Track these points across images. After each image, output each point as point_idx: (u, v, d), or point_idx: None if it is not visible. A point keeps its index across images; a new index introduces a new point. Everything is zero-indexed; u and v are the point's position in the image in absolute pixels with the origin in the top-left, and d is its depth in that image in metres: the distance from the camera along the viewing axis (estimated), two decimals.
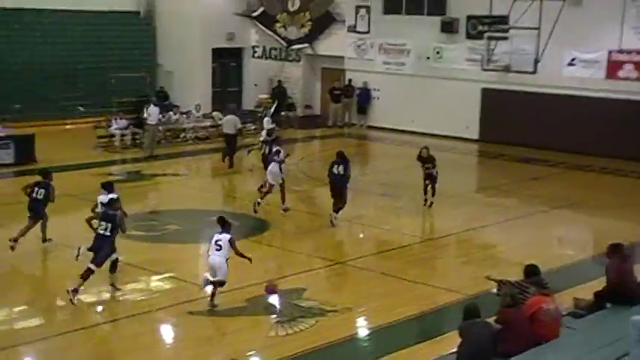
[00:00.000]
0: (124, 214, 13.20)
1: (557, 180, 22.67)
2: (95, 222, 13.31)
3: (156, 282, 13.75)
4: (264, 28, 33.42)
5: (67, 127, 28.66)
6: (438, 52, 28.44)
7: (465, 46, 27.48)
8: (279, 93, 31.65)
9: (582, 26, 24.60)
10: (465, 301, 12.03)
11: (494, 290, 11.00)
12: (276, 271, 14.53)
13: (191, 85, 31.27)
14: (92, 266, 12.52)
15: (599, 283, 11.55)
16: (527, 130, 25.96)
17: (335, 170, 17.41)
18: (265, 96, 31.86)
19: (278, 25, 33.07)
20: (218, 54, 32.61)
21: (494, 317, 9.58)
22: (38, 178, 15.28)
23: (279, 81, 32.30)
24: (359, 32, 30.54)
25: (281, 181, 18.09)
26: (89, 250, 12.70)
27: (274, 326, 11.89)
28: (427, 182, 18.77)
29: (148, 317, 12.24)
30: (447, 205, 19.39)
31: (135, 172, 22.60)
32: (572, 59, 25.35)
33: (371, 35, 30.24)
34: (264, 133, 21.98)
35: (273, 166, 18.05)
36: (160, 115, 25.44)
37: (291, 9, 32.61)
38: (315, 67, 32.97)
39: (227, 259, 12.39)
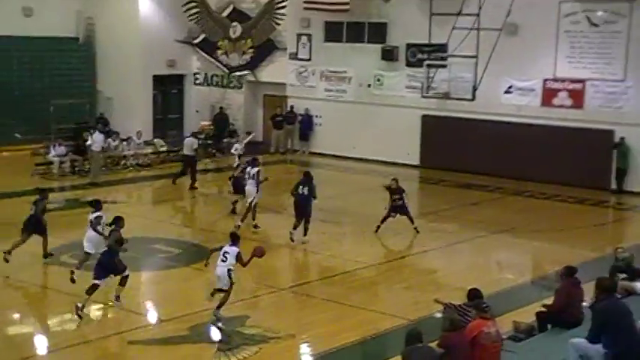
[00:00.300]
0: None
1: (497, 205, 23.04)
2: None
3: (95, 311, 13.49)
4: (205, 54, 33.38)
5: (4, 154, 28.09)
6: (378, 80, 28.78)
7: (405, 74, 27.86)
8: (220, 120, 31.59)
9: (518, 55, 25.19)
10: (407, 326, 12.11)
11: (438, 314, 11.10)
12: (218, 298, 14.37)
13: (132, 111, 31.01)
14: (97, 282, 13.11)
15: (539, 307, 11.75)
16: (466, 156, 26.37)
17: (300, 190, 18.04)
18: (207, 123, 31.75)
19: (220, 52, 33.08)
20: (159, 81, 32.43)
21: (436, 342, 9.66)
22: None
23: (221, 108, 32.25)
24: (300, 59, 30.74)
25: (256, 201, 18.81)
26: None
27: (217, 354, 11.77)
28: (393, 214, 18.83)
29: (87, 347, 12.01)
30: (389, 231, 19.51)
31: (73, 199, 22.23)
32: (509, 87, 25.91)
33: (312, 62, 30.46)
34: (236, 158, 22.56)
35: (250, 186, 18.80)
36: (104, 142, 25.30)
37: (233, 36, 32.66)
38: (257, 93, 33.02)
39: (229, 270, 13.01)
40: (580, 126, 24.59)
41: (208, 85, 33.62)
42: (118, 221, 13.80)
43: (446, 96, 24.49)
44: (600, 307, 9.69)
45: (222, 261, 13.13)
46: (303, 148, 30.77)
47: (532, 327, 11.47)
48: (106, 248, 13.44)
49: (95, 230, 14.54)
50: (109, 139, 26.92)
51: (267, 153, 30.63)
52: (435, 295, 12.43)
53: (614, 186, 24.31)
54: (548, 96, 25.26)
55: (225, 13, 32.77)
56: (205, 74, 33.65)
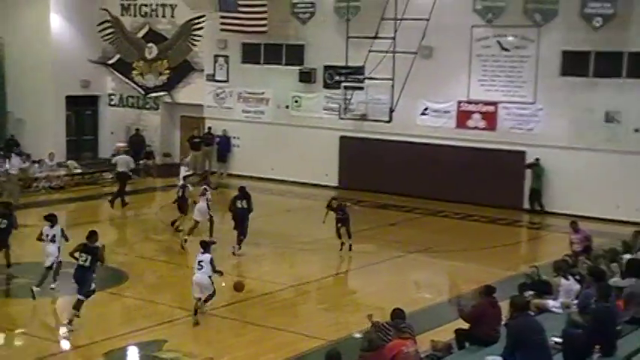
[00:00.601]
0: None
1: (414, 225, 23.33)
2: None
3: (3, 339, 13.03)
4: (120, 75, 32.91)
5: None
6: (296, 101, 28.90)
7: (322, 96, 28.06)
8: (136, 141, 31.14)
9: (433, 78, 25.68)
10: (326, 347, 12.10)
11: (357, 334, 11.13)
12: (136, 323, 14.11)
13: (44, 133, 30.23)
14: (81, 297, 13.49)
15: (456, 325, 11.91)
16: (384, 177, 26.67)
17: (239, 204, 19.04)
18: (122, 144, 31.17)
19: (135, 72, 32.66)
20: (72, 101, 31.74)
21: None
22: None
23: (137, 129, 31.81)
24: (218, 81, 30.62)
25: (209, 217, 19.70)
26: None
27: None
28: (339, 225, 19.37)
29: None
30: (308, 252, 19.56)
31: None
32: (425, 109, 26.38)
33: (230, 84, 30.38)
34: (181, 178, 22.69)
35: (201, 204, 19.57)
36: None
37: (149, 57, 32.31)
38: (174, 115, 32.70)
39: (210, 276, 14.00)
40: (493, 147, 25.19)
41: (124, 106, 33.12)
42: (94, 235, 14.10)
43: (363, 118, 24.76)
44: (514, 325, 9.89)
45: (199, 269, 14.07)
46: (221, 170, 30.58)
47: (449, 345, 11.61)
48: (86, 264, 13.65)
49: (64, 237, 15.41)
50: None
51: None
52: (354, 316, 12.47)
53: (526, 206, 24.93)
54: (462, 118, 25.81)
55: (140, 34, 32.41)
56: (120, 95, 33.15)
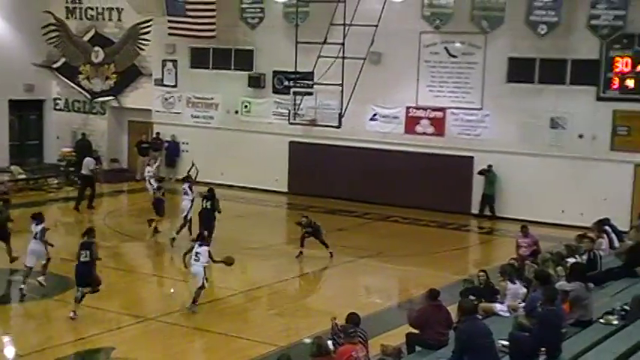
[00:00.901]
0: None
1: (363, 231, 23.42)
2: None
3: None
4: (66, 79, 32.43)
5: None
6: (246, 106, 28.81)
7: (272, 101, 28.03)
8: (83, 146, 30.67)
9: (382, 83, 25.84)
10: (277, 352, 12.07)
11: (308, 340, 11.12)
12: (82, 330, 13.89)
13: None
14: (85, 290, 14.40)
15: (407, 329, 11.99)
16: (333, 183, 26.74)
17: (203, 204, 19.51)
18: (68, 149, 30.79)
19: (81, 77, 32.22)
20: (16, 105, 31.14)
21: None
22: None
23: (84, 134, 31.36)
24: (166, 85, 30.38)
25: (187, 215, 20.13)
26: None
27: None
28: (307, 236, 19.26)
29: None
30: (258, 257, 19.50)
31: None
32: (374, 114, 26.53)
33: (178, 89, 30.16)
34: (151, 181, 23.66)
35: (184, 202, 20.39)
36: None
37: (95, 61, 31.91)
38: (122, 120, 32.33)
39: (204, 267, 14.85)
40: (441, 152, 25.43)
41: (69, 110, 32.64)
42: (92, 232, 15.11)
43: (313, 123, 24.77)
44: (462, 328, 10.00)
45: (196, 260, 14.99)
46: (170, 175, 30.29)
47: (399, 350, 11.67)
48: (87, 259, 14.56)
49: (45, 242, 15.90)
50: None
51: (132, 180, 30.03)
52: (305, 321, 12.47)
53: (475, 210, 25.19)
54: (410, 123, 26.02)
55: (86, 38, 31.97)
56: (66, 99, 32.66)
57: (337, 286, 17.70)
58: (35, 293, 16.07)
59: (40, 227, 15.99)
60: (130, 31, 31.00)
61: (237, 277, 18.21)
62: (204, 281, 14.93)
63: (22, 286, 15.68)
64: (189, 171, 22.32)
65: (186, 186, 20.92)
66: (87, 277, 14.52)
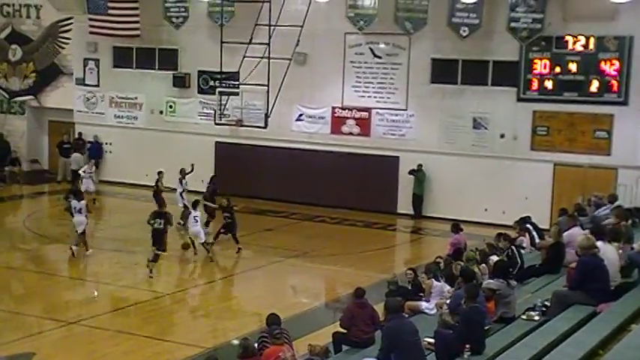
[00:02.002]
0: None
1: (290, 231, 23.42)
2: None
3: None
4: None
5: None
6: (170, 107, 28.48)
7: (197, 101, 27.76)
8: (0, 147, 29.87)
9: (308, 84, 25.90)
10: (204, 354, 11.98)
11: (235, 341, 11.07)
12: (3, 335, 13.51)
13: None
14: (159, 252, 17.35)
15: (334, 328, 12.04)
16: (260, 183, 26.66)
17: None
18: None
19: None
20: None
21: None
22: None
23: (1, 134, 30.54)
24: (88, 85, 29.79)
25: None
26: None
27: None
28: (223, 231, 19.99)
29: None
30: (184, 260, 19.29)
31: None
32: (300, 115, 26.57)
33: (101, 88, 29.60)
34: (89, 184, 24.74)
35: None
36: None
37: (13, 59, 31.09)
38: (42, 120, 31.57)
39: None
40: (367, 152, 25.62)
41: None
42: (164, 204, 19.21)
43: (239, 123, 24.66)
44: (389, 327, 10.07)
45: (196, 222, 18.93)
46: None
47: (327, 349, 11.70)
48: (160, 227, 17.44)
49: (85, 215, 18.75)
50: None
51: (53, 182, 29.35)
52: (231, 323, 12.35)
53: (401, 210, 25.44)
54: (336, 124, 26.14)
55: (2, 35, 31.14)
56: None
57: (264, 286, 17.66)
58: None
59: (82, 203, 18.88)
60: (50, 29, 30.30)
61: (162, 280, 18.01)
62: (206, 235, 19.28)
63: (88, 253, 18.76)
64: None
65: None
66: (159, 242, 17.35)
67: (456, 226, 17.53)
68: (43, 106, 31.03)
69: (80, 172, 25.40)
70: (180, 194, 22.42)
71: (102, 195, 27.90)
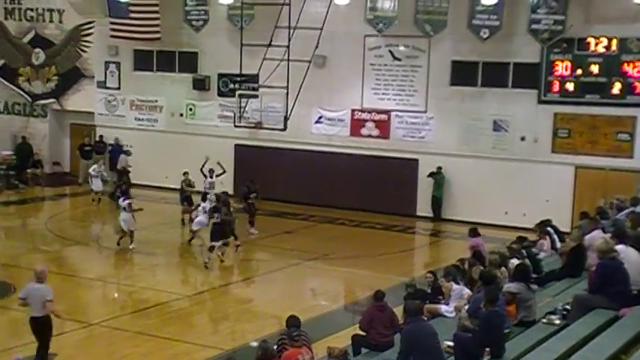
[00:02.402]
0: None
1: (309, 233, 23.42)
2: None
3: None
4: (5, 81, 31.80)
5: None
6: (190, 109, 28.60)
7: (217, 104, 27.87)
8: (23, 150, 30.14)
9: (327, 86, 25.91)
10: (223, 356, 12.01)
11: (254, 343, 11.08)
12: (24, 336, 13.59)
13: None
14: (216, 243, 18.41)
15: (353, 331, 12.02)
16: (279, 185, 26.66)
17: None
18: (8, 153, 30.19)
19: (21, 79, 31.64)
20: None
21: None
22: None
23: (24, 137, 30.79)
24: (109, 88, 29.98)
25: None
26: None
27: None
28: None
29: None
30: (203, 261, 19.33)
31: None
32: (320, 117, 26.57)
33: (122, 91, 29.79)
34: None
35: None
36: None
37: (36, 63, 31.36)
38: (64, 122, 31.82)
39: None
40: (386, 155, 25.59)
41: (9, 113, 32.03)
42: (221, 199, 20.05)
43: (258, 126, 24.69)
44: (407, 330, 10.06)
45: (205, 213, 19.89)
46: (113, 179, 29.90)
47: (346, 352, 11.68)
48: (217, 220, 18.73)
49: (132, 212, 19.69)
50: None
51: (74, 184, 29.55)
52: (251, 324, 12.40)
53: (420, 213, 25.37)
54: (356, 126, 26.12)
55: (26, 39, 31.42)
56: (6, 102, 32.04)
57: (283, 288, 17.67)
58: None
59: (127, 202, 19.88)
60: (72, 33, 30.54)
61: (182, 281, 18.08)
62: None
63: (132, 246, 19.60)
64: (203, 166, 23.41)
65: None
66: (219, 234, 18.55)
67: (474, 230, 17.39)
68: (65, 109, 31.26)
69: (90, 170, 25.70)
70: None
71: None
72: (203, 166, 23.25)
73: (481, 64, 24.33)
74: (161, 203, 25.37)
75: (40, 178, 29.40)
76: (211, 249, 18.69)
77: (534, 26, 23.15)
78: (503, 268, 13.94)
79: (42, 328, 11.89)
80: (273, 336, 11.35)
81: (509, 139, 24.13)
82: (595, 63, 22.80)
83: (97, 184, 25.31)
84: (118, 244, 19.88)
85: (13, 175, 28.73)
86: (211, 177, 23.27)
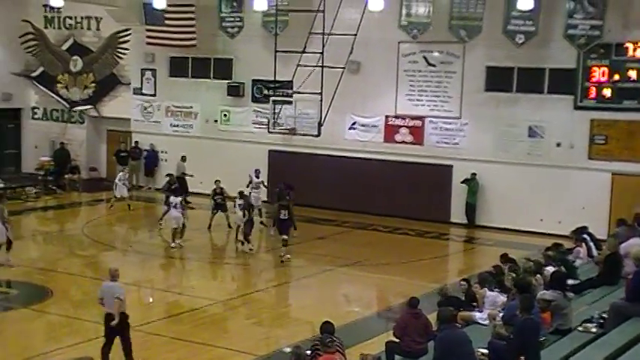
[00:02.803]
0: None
1: (342, 239, 23.39)
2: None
3: None
4: (44, 88, 32.27)
5: None
6: (225, 115, 28.78)
7: (251, 110, 28.02)
8: (61, 155, 30.54)
9: (361, 92, 25.90)
10: None
11: (287, 349, 11.11)
12: (60, 340, 13.79)
13: None
14: (285, 237, 19.75)
15: (386, 338, 11.99)
16: (313, 191, 26.65)
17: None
18: (47, 158, 30.62)
19: (60, 86, 32.07)
20: None
21: None
22: None
23: (62, 143, 31.21)
24: (145, 94, 30.27)
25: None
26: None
27: None
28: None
29: None
30: (237, 267, 19.44)
31: None
32: (353, 123, 26.58)
33: (157, 98, 30.06)
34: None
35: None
36: None
37: (74, 70, 31.77)
38: (100, 129, 32.20)
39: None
40: (420, 161, 25.50)
41: (48, 119, 32.49)
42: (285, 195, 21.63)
43: (292, 132, 24.77)
44: (441, 337, 10.03)
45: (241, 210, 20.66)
46: (149, 185, 30.19)
47: (379, 358, 11.67)
48: (285, 217, 19.96)
49: (182, 209, 20.91)
50: None
51: (111, 189, 29.80)
52: (285, 330, 12.41)
53: (454, 219, 25.24)
54: (389, 132, 26.08)
55: (65, 47, 31.86)
56: (44, 109, 32.51)
57: (316, 294, 17.68)
58: (13, 303, 16.01)
59: (178, 199, 20.92)
60: (109, 40, 30.90)
61: (216, 286, 18.18)
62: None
63: (176, 243, 20.58)
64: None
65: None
66: (286, 229, 19.68)
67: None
68: (102, 115, 31.63)
69: (116, 180, 25.86)
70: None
71: (157, 202, 28.31)
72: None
73: (516, 70, 24.17)
74: (195, 209, 25.50)
75: (77, 184, 29.77)
76: (285, 242, 19.78)
77: (571, 31, 22.95)
78: (538, 276, 13.85)
79: (117, 324, 12.35)
80: (307, 342, 11.37)
81: (545, 145, 23.92)
82: (633, 68, 22.53)
83: (121, 191, 25.62)
84: (176, 244, 20.65)
85: (51, 181, 29.13)
86: (257, 177, 24.14)
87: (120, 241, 22.75)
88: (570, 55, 23.17)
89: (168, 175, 25.27)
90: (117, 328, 12.27)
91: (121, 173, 26.41)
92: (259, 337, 14.49)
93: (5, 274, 17.81)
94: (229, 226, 22.35)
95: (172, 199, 21.37)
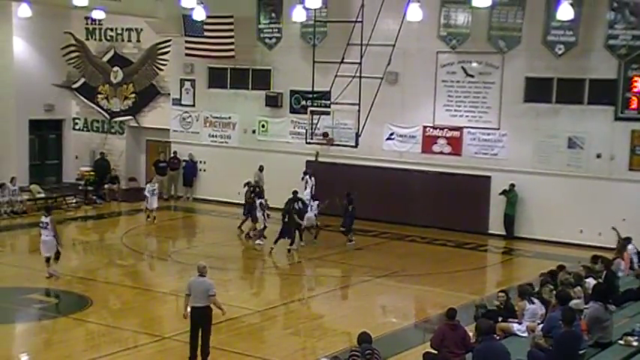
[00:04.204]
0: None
1: (380, 250, 23.33)
2: None
3: None
4: (85, 99, 32.72)
5: None
6: (263, 126, 28.92)
7: (289, 120, 28.12)
8: (101, 166, 30.91)
9: (399, 103, 25.89)
10: None
11: (324, 359, 11.11)
12: (100, 348, 13.93)
13: (6, 157, 29.69)
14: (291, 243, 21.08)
15: (423, 349, 11.93)
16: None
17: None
18: (87, 168, 31.02)
19: (100, 97, 32.49)
20: (36, 125, 31.42)
21: None
22: None
23: (102, 153, 31.58)
24: (184, 105, 30.56)
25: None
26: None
27: None
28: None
29: None
30: (275, 277, 19.48)
31: None
32: (391, 134, 26.54)
33: (196, 108, 30.32)
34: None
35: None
36: None
37: (114, 81, 32.18)
38: (140, 139, 32.54)
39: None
40: (458, 172, 25.37)
41: (88, 130, 32.92)
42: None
43: (330, 142, 24.84)
44: (479, 349, 9.95)
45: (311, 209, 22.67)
46: (187, 194, 30.43)
47: None
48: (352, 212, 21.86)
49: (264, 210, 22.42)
50: None
51: None
52: (321, 341, 12.40)
53: (492, 230, 25.07)
54: (427, 143, 25.99)
55: (105, 58, 32.29)
56: (85, 119, 32.95)
57: (353, 305, 17.64)
58: (54, 312, 16.20)
59: (260, 200, 22.66)
60: (149, 52, 31.26)
61: (253, 297, 18.22)
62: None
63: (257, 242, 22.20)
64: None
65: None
66: (287, 233, 21.28)
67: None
68: (141, 125, 31.98)
69: (145, 192, 26.01)
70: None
71: (196, 213, 28.54)
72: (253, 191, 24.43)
73: (556, 81, 23.96)
74: (233, 219, 25.63)
75: (116, 194, 30.11)
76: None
77: (611, 42, 22.72)
78: (577, 288, 13.69)
79: (201, 317, 12.83)
80: (344, 352, 11.34)
81: (585, 156, 23.66)
82: None
83: (152, 202, 25.75)
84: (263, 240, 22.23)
85: (91, 191, 29.48)
86: (310, 178, 25.48)
87: (159, 251, 22.92)
88: (611, 65, 22.93)
89: (246, 184, 25.18)
90: (199, 318, 12.72)
91: (148, 185, 26.57)
92: (296, 347, 14.49)
93: (47, 283, 18.05)
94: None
95: (257, 200, 23.02)
